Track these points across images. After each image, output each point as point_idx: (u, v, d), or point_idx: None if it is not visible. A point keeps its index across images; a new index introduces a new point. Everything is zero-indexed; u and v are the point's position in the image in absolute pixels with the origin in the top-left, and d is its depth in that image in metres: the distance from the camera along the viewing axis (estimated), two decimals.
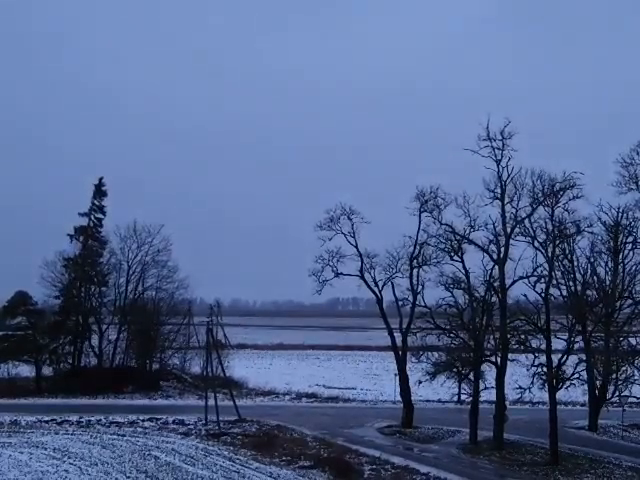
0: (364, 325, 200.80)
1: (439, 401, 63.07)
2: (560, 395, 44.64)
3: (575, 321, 42.61)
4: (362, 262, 50.68)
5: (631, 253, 48.46)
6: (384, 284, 50.73)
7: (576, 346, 42.92)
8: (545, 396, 43.78)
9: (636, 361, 45.86)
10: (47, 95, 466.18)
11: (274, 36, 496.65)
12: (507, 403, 45.44)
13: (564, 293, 43.44)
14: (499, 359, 43.23)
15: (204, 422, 49.10)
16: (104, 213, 72.31)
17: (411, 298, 49.52)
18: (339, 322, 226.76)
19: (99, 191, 72.10)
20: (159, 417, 50.72)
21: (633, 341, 48.34)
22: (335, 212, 50.28)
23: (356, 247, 50.78)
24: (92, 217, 71.84)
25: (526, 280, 41.43)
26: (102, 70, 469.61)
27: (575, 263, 45.04)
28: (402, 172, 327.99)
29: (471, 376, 45.11)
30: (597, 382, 49.25)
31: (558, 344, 42.39)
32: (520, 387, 41.38)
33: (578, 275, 45.12)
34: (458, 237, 45.00)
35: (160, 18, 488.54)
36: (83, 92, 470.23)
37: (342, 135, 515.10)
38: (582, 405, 57.64)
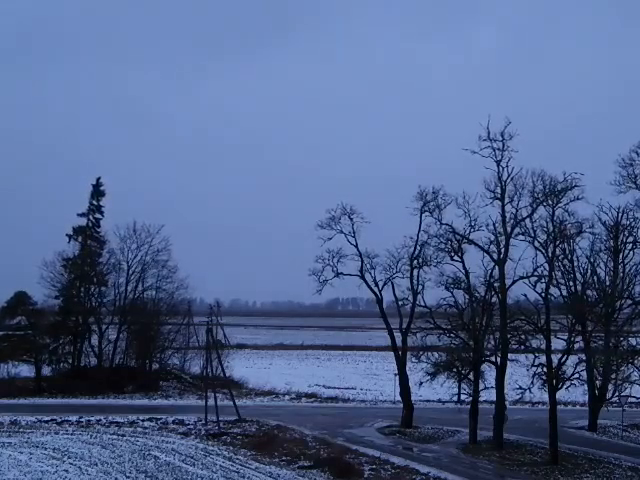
0: (364, 325, 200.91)
1: (439, 401, 63.02)
2: (560, 395, 44.60)
3: (575, 321, 42.56)
4: (362, 262, 50.65)
5: (631, 253, 48.54)
6: (384, 284, 50.71)
7: (576, 346, 42.86)
8: (545, 396, 43.74)
9: (636, 361, 45.78)
10: (47, 95, 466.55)
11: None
12: (507, 403, 45.41)
13: (564, 293, 43.39)
14: (499, 359, 43.19)
15: (204, 422, 49.06)
16: (102, 213, 72.34)
17: (411, 298, 49.48)
18: (339, 322, 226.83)
19: (97, 191, 72.10)
20: (159, 417, 50.69)
21: (633, 341, 48.29)
22: (336, 211, 50.28)
23: (356, 247, 50.81)
24: (90, 217, 71.87)
25: (526, 280, 41.41)
26: (102, 70, 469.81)
27: (575, 263, 44.99)
28: (403, 172, 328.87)
29: (471, 376, 45.07)
30: (597, 382, 49.20)
31: (558, 344, 42.34)
32: (520, 387, 41.31)
33: (578, 275, 45.08)
34: (458, 237, 44.96)
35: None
36: (82, 92, 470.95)
37: (343, 135, 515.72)
38: (582, 405, 57.63)
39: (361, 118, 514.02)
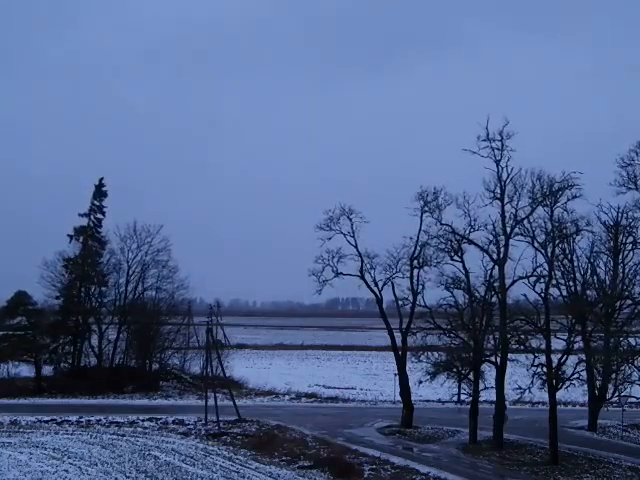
0: (364, 325, 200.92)
1: (439, 401, 63.04)
2: (560, 395, 44.63)
3: (575, 321, 42.58)
4: (362, 262, 50.66)
5: (631, 253, 48.49)
6: (384, 284, 50.72)
7: (576, 346, 42.88)
8: (545, 396, 43.76)
9: (636, 361, 45.77)
10: (47, 95, 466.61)
11: None
12: (507, 403, 45.42)
13: (564, 293, 43.40)
14: (499, 359, 43.20)
15: (204, 422, 49.08)
16: (104, 213, 72.41)
17: (411, 298, 49.50)
18: (339, 322, 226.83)
19: (99, 191, 72.12)
20: (159, 417, 50.70)
21: (633, 341, 48.28)
22: (335, 212, 50.31)
23: (356, 247, 50.81)
24: (92, 217, 71.91)
25: (526, 280, 41.41)
26: (100, 68, 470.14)
27: (575, 263, 45.03)
28: (403, 172, 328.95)
29: (471, 376, 45.08)
30: (597, 382, 49.20)
31: (558, 344, 42.37)
32: (520, 387, 41.34)
33: (578, 275, 45.11)
34: (458, 237, 44.97)
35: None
36: (81, 92, 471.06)
37: (343, 135, 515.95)
38: (582, 405, 57.62)
39: (361, 118, 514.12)
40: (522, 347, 42.30)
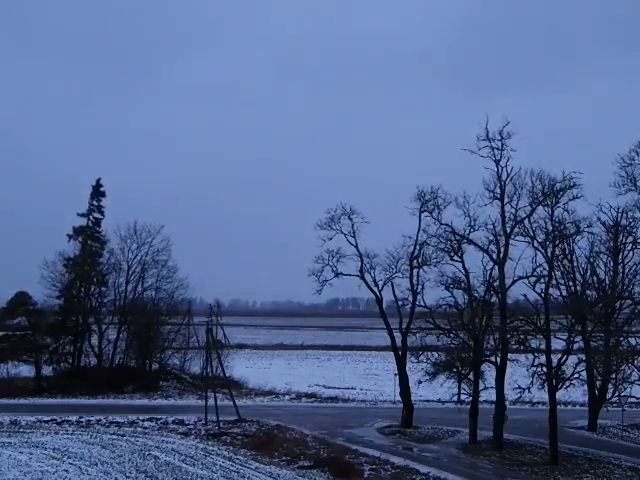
0: (364, 325, 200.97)
1: (439, 401, 63.03)
2: (560, 395, 44.61)
3: (575, 321, 42.58)
4: (362, 262, 50.67)
5: (631, 253, 48.48)
6: (384, 284, 50.73)
7: (576, 346, 42.88)
8: (545, 396, 43.77)
9: (636, 361, 45.78)
10: (48, 95, 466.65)
11: None
12: (507, 403, 45.43)
13: (564, 293, 43.38)
14: (499, 359, 43.20)
15: (204, 422, 49.09)
16: (102, 213, 72.53)
17: (411, 298, 49.50)
18: (339, 322, 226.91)
19: (97, 192, 72.26)
20: (159, 417, 50.71)
21: (633, 341, 48.28)
22: (335, 212, 50.32)
23: (356, 247, 50.83)
24: (90, 217, 72.04)
25: (526, 280, 41.39)
26: (99, 70, 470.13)
27: (575, 263, 45.00)
28: (402, 172, 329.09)
29: (471, 376, 45.08)
30: (597, 382, 49.20)
31: (558, 344, 42.36)
32: (519, 387, 41.33)
33: (578, 275, 45.08)
34: (458, 237, 44.97)
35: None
36: (82, 93, 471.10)
37: (342, 135, 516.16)
38: (582, 405, 57.63)
39: (360, 117, 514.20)
40: (522, 347, 42.29)
